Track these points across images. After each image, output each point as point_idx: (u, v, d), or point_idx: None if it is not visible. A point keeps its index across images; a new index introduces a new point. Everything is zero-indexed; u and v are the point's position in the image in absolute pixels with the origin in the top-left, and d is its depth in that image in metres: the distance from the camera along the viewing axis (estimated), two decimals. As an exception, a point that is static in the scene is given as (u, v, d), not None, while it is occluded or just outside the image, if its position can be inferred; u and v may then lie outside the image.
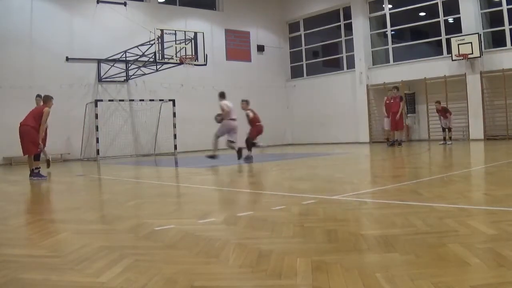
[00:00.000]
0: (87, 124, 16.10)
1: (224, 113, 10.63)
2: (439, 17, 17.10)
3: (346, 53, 20.44)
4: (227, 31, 20.49)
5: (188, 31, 15.00)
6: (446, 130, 14.88)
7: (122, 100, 16.98)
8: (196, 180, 7.73)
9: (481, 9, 16.17)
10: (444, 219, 3.37)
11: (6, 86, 14.67)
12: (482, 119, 15.87)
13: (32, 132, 8.63)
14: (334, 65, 21.46)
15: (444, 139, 14.80)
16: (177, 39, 14.48)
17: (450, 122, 14.90)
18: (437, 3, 17.03)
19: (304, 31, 22.06)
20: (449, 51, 16.41)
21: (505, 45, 15.64)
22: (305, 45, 22.08)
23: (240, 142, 11.09)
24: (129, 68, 16.52)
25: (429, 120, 17.35)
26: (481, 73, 15.82)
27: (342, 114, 19.92)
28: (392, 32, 18.99)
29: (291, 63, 22.72)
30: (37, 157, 8.89)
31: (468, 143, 14.98)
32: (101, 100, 16.02)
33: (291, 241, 3.03)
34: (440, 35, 17.22)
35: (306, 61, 22.15)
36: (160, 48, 13.98)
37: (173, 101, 16.68)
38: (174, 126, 16.53)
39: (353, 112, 19.42)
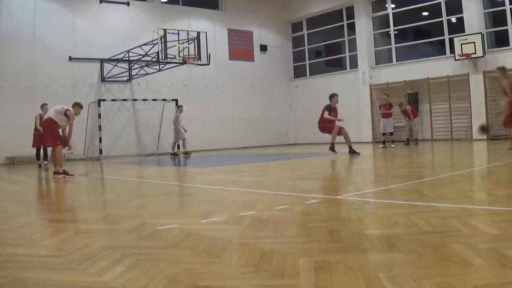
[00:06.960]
0: (90, 124, 16.13)
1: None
2: (442, 17, 17.07)
3: (349, 52, 20.42)
4: (230, 31, 20.49)
5: (191, 31, 15.01)
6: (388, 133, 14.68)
7: (125, 100, 17.02)
8: (198, 180, 7.73)
9: (484, 8, 16.12)
10: (447, 219, 3.36)
11: (8, 86, 14.71)
12: (485, 119, 15.81)
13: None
14: (337, 65, 21.44)
15: (384, 142, 14.74)
16: (180, 38, 14.49)
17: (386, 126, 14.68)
18: (440, 2, 17.00)
19: (307, 30, 22.05)
20: (452, 50, 16.38)
21: (508, 45, 15.59)
22: (308, 45, 22.07)
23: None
24: (132, 68, 16.55)
25: (432, 120, 17.30)
26: (484, 72, 15.77)
27: (345, 113, 19.74)
28: (395, 32, 18.96)
29: (294, 63, 22.71)
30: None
31: (471, 143, 14.94)
32: (104, 100, 16.07)
33: (294, 241, 3.02)
34: (443, 35, 17.18)
35: (309, 60, 22.14)
36: (163, 48, 14.01)
37: (176, 100, 16.71)
38: (177, 125, 16.54)
39: (356, 111, 19.37)
